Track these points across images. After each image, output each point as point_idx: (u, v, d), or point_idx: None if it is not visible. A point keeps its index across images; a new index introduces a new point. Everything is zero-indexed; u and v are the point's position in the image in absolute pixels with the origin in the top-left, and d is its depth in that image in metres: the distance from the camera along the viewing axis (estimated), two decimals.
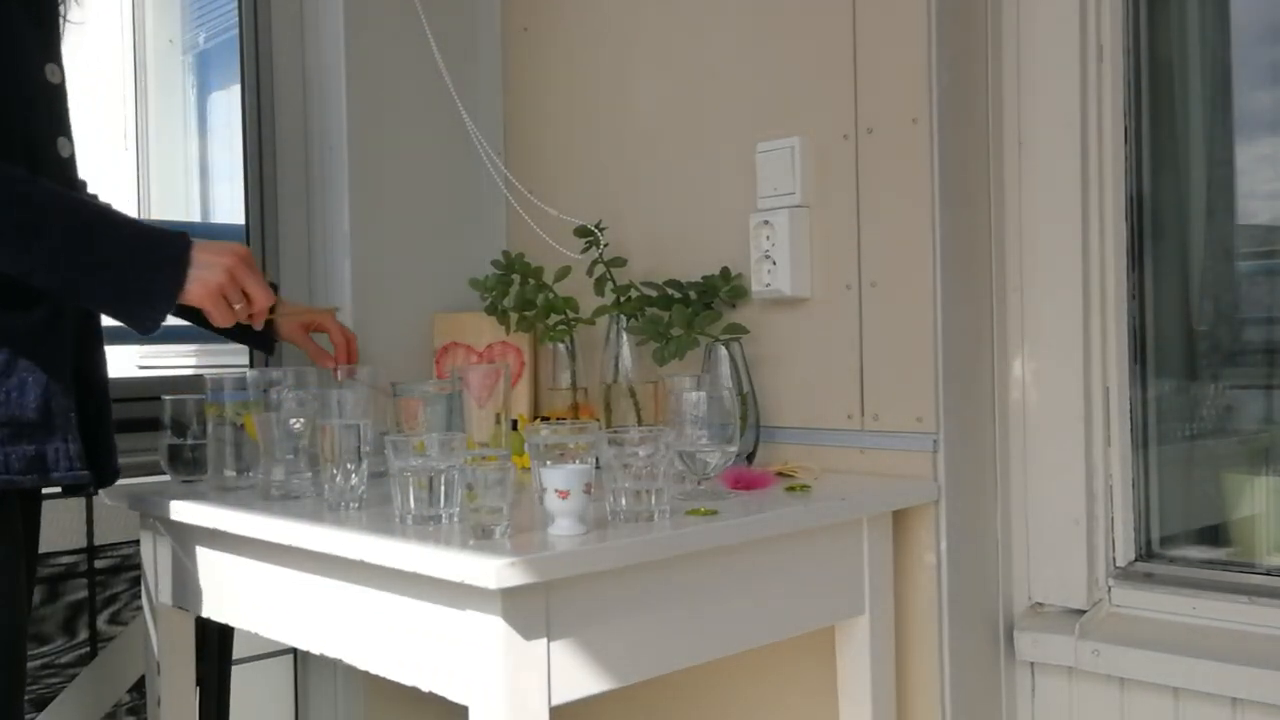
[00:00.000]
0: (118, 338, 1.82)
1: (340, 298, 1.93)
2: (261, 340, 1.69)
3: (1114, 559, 1.58)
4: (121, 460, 1.43)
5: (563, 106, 2.01)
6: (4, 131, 1.26)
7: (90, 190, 1.60)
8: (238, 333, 1.67)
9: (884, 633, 1.48)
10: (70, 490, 1.38)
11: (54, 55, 1.37)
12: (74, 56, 1.43)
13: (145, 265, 1.29)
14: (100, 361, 1.41)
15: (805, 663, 1.62)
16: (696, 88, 1.78)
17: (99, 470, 1.36)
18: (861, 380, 1.57)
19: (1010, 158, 1.60)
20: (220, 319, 1.38)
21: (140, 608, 1.65)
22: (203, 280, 1.33)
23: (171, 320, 1.65)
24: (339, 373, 1.67)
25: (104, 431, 1.39)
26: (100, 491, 1.47)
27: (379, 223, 1.97)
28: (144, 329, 1.31)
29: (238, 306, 1.37)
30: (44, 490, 1.38)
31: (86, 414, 1.34)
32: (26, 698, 1.64)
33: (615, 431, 1.23)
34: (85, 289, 1.27)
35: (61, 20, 1.42)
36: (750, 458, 1.59)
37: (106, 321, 1.45)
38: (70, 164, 1.37)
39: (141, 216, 3.32)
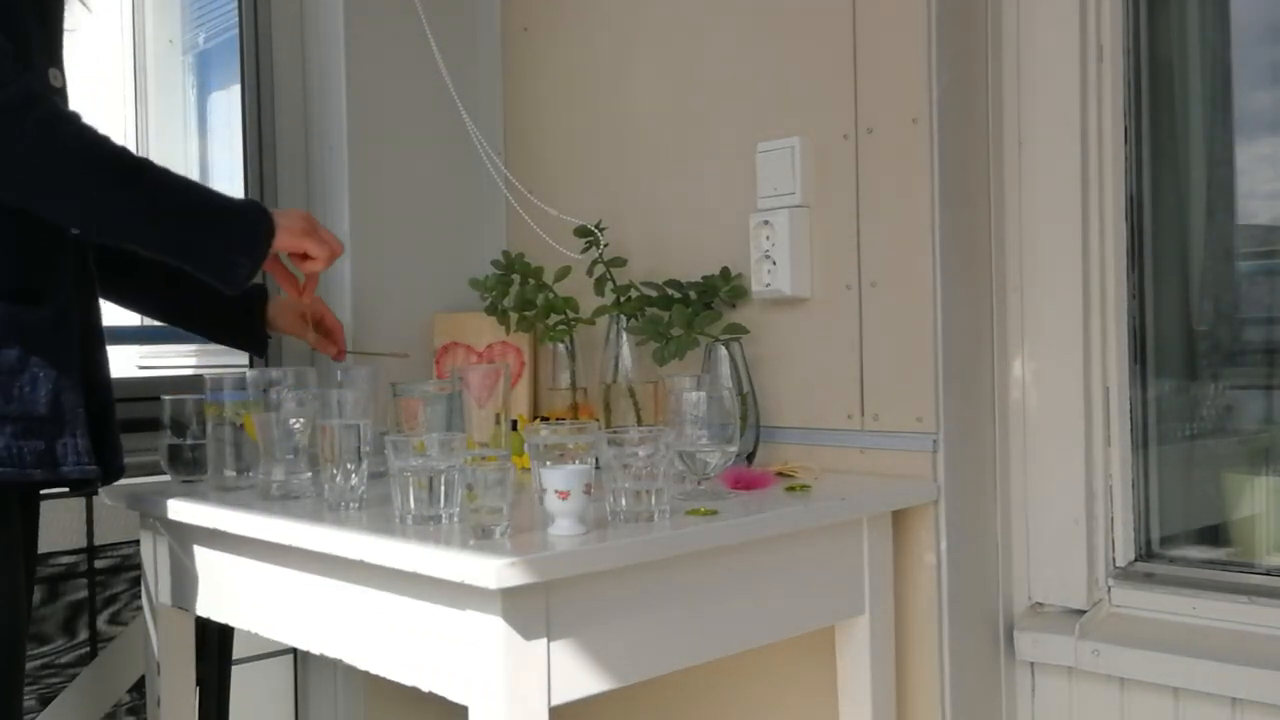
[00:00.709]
0: (118, 338, 1.82)
1: (340, 298, 1.93)
2: (253, 341, 1.68)
3: (1114, 559, 1.58)
4: (122, 441, 1.43)
5: (563, 106, 2.01)
6: None
7: None
8: (230, 335, 1.67)
9: (884, 633, 1.48)
10: (77, 486, 1.38)
11: (56, 60, 1.38)
12: (73, 57, 1.43)
13: (238, 217, 1.37)
14: (103, 360, 1.41)
15: (805, 663, 1.62)
16: (696, 88, 1.78)
17: (104, 466, 1.37)
18: (861, 380, 1.57)
19: (1010, 158, 1.60)
20: (318, 250, 1.44)
21: (140, 608, 1.65)
22: (288, 227, 1.41)
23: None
24: (341, 356, 1.68)
25: (109, 429, 1.39)
26: (101, 490, 1.47)
27: (379, 223, 1.97)
28: (239, 281, 1.36)
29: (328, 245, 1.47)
30: (50, 489, 1.38)
31: (91, 411, 1.34)
32: (27, 698, 1.64)
33: (615, 431, 1.23)
34: (197, 247, 1.33)
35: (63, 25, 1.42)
36: (750, 458, 1.59)
37: (105, 321, 1.45)
38: None
39: None
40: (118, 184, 1.27)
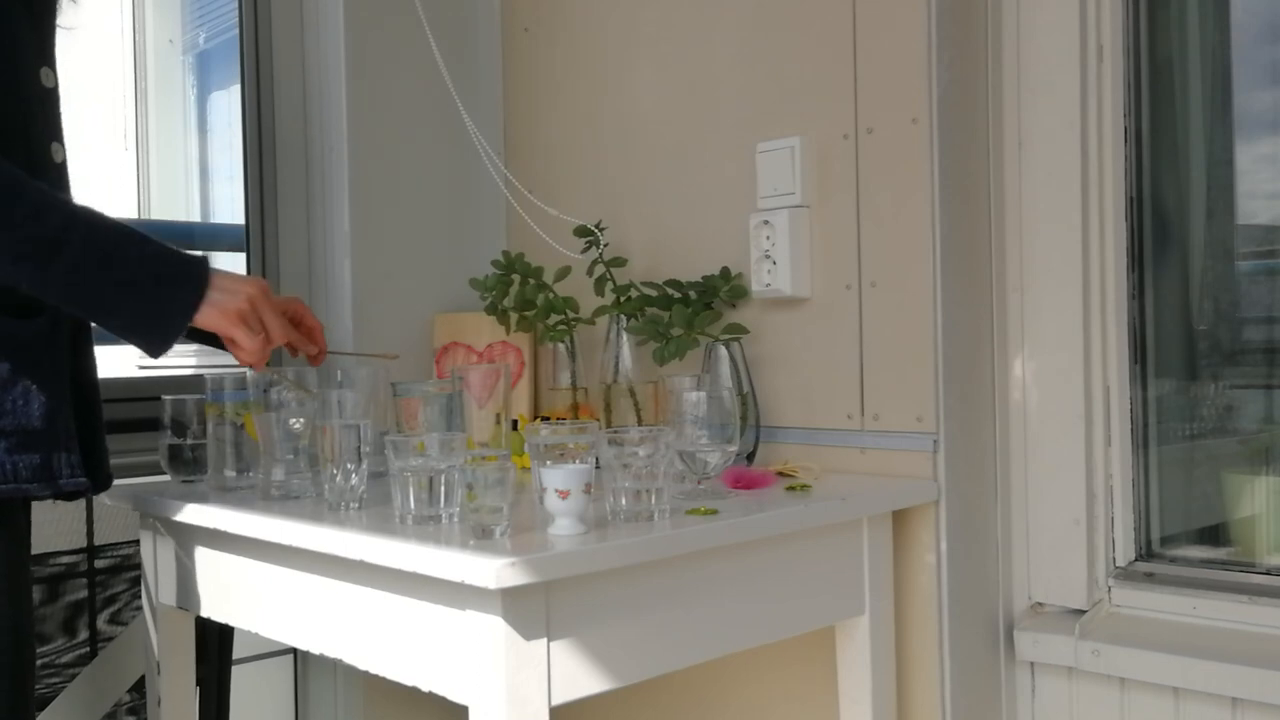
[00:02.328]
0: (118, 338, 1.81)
1: (340, 298, 1.93)
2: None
3: (1114, 559, 1.58)
4: (122, 460, 1.43)
5: (563, 107, 2.01)
6: (4, 136, 1.25)
7: (76, 198, 1.59)
8: (204, 335, 1.65)
9: (884, 633, 1.48)
10: (66, 496, 1.37)
11: (48, 58, 1.35)
12: (74, 57, 1.42)
13: (163, 285, 1.26)
14: (92, 368, 1.39)
15: (805, 663, 1.62)
16: (697, 88, 1.78)
17: (96, 477, 1.35)
18: (861, 380, 1.57)
19: (1010, 158, 1.60)
20: (245, 341, 1.33)
21: (140, 608, 1.65)
22: (220, 305, 1.30)
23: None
24: (321, 359, 1.66)
25: (98, 437, 1.38)
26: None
27: (379, 223, 1.97)
28: (154, 351, 1.28)
29: (259, 336, 1.34)
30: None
31: (81, 421, 1.32)
32: None
33: (615, 431, 1.23)
34: (100, 308, 1.25)
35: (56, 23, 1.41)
36: (750, 458, 1.59)
37: None
38: (64, 170, 1.36)
39: (141, 217, 3.31)
40: (12, 227, 1.18)
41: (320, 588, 1.30)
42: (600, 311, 1.76)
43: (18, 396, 1.24)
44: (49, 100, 1.35)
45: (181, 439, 1.56)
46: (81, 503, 1.75)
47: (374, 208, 1.97)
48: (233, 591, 1.45)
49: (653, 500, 1.21)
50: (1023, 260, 1.60)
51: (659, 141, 1.84)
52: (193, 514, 1.41)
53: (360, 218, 1.95)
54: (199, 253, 1.34)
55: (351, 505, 1.31)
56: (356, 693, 1.95)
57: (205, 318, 1.30)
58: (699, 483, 1.35)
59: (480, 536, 1.13)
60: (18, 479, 1.24)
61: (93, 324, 1.34)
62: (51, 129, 1.35)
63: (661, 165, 1.84)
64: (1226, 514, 1.58)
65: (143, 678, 1.73)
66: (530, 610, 1.09)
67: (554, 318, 1.78)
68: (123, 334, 1.27)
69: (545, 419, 1.73)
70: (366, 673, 1.26)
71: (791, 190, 1.62)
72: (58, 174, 1.35)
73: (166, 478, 1.59)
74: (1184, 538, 1.60)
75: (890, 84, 1.53)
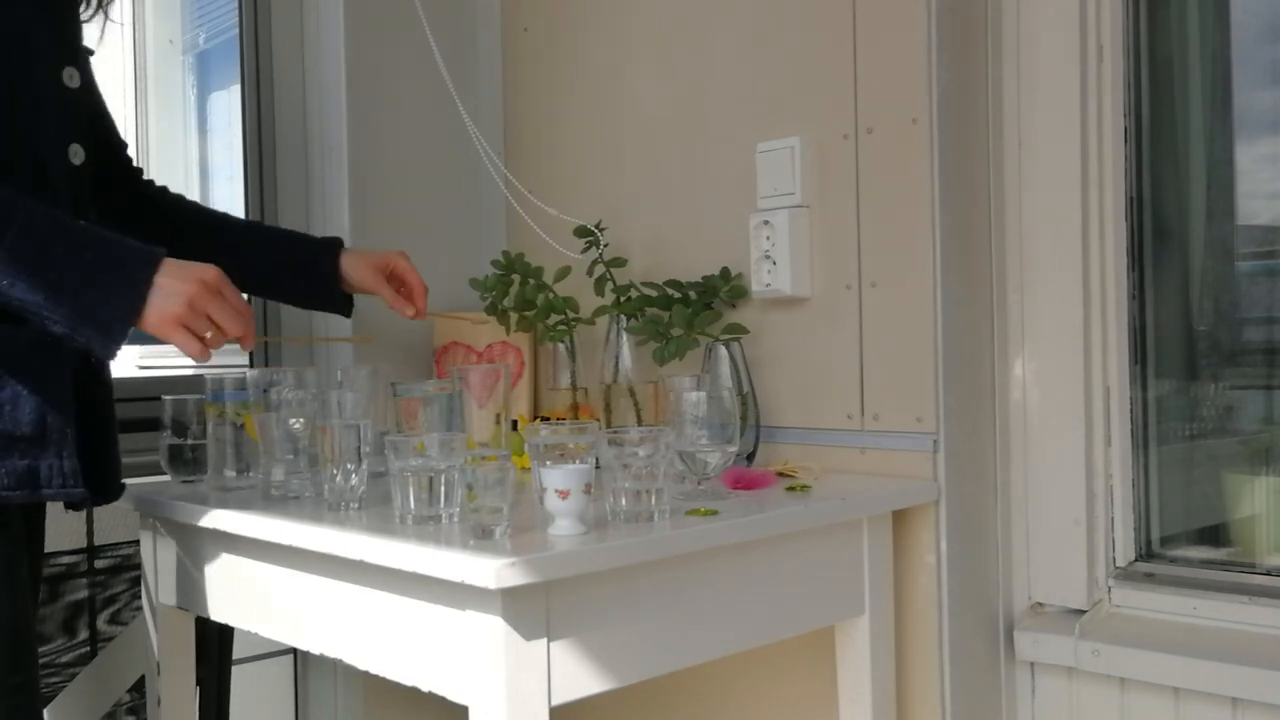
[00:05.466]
0: None
1: None
2: (330, 301, 1.62)
3: (1114, 559, 1.58)
4: (122, 460, 1.42)
5: (563, 107, 2.01)
6: (6, 138, 1.23)
7: (159, 183, 1.61)
8: (303, 297, 1.60)
9: (884, 633, 1.48)
10: (72, 505, 1.35)
11: (71, 58, 1.33)
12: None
13: (100, 289, 1.18)
14: (105, 376, 1.37)
15: (805, 663, 1.62)
16: (696, 88, 1.78)
17: (101, 486, 1.33)
18: (861, 380, 1.57)
19: (1010, 158, 1.60)
20: (189, 350, 1.25)
21: (140, 608, 1.65)
22: (159, 309, 1.21)
23: None
24: (420, 316, 1.64)
25: (107, 446, 1.36)
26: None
27: (379, 223, 1.97)
28: (103, 355, 1.22)
29: (208, 335, 1.25)
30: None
31: (87, 428, 1.30)
32: None
33: (615, 431, 1.23)
34: (38, 310, 1.16)
35: (84, 21, 1.39)
36: (750, 458, 1.59)
37: None
38: (82, 172, 1.34)
39: None
40: None
41: (320, 588, 1.30)
42: (600, 311, 1.76)
43: (5, 401, 1.21)
44: (72, 101, 1.32)
45: (181, 439, 1.56)
46: None
47: (374, 208, 1.97)
48: (233, 592, 1.45)
49: (653, 500, 1.21)
50: (1023, 260, 1.60)
51: (659, 141, 1.84)
52: (193, 514, 1.41)
53: (360, 218, 1.95)
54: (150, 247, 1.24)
55: (351, 505, 1.31)
56: (356, 693, 1.95)
57: (145, 324, 1.21)
58: (699, 483, 1.34)
59: (480, 536, 1.13)
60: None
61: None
62: (70, 130, 1.32)
63: (661, 165, 1.84)
64: (1226, 514, 1.58)
65: (143, 678, 1.73)
66: (530, 610, 1.09)
67: (554, 318, 1.78)
68: (68, 338, 1.19)
69: (545, 419, 1.73)
70: (366, 673, 1.26)
71: (791, 190, 1.62)
72: (74, 175, 1.32)
73: (166, 478, 1.59)
74: (1184, 538, 1.60)
75: (890, 84, 1.53)
